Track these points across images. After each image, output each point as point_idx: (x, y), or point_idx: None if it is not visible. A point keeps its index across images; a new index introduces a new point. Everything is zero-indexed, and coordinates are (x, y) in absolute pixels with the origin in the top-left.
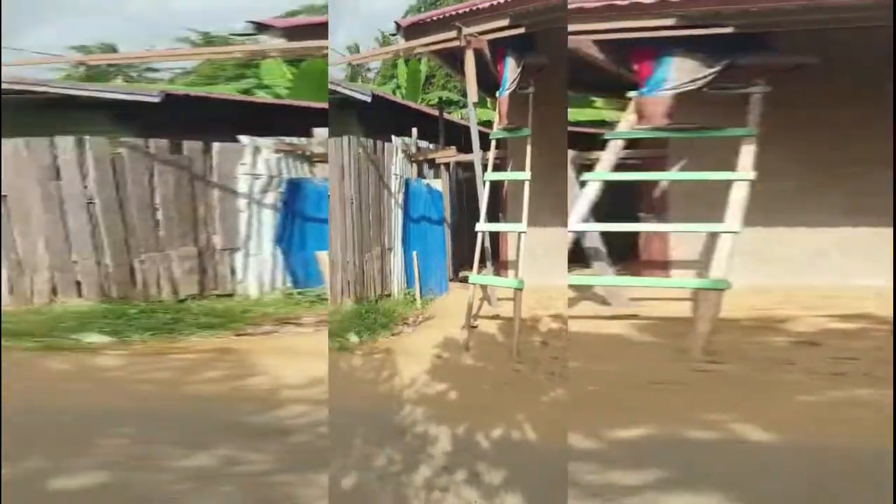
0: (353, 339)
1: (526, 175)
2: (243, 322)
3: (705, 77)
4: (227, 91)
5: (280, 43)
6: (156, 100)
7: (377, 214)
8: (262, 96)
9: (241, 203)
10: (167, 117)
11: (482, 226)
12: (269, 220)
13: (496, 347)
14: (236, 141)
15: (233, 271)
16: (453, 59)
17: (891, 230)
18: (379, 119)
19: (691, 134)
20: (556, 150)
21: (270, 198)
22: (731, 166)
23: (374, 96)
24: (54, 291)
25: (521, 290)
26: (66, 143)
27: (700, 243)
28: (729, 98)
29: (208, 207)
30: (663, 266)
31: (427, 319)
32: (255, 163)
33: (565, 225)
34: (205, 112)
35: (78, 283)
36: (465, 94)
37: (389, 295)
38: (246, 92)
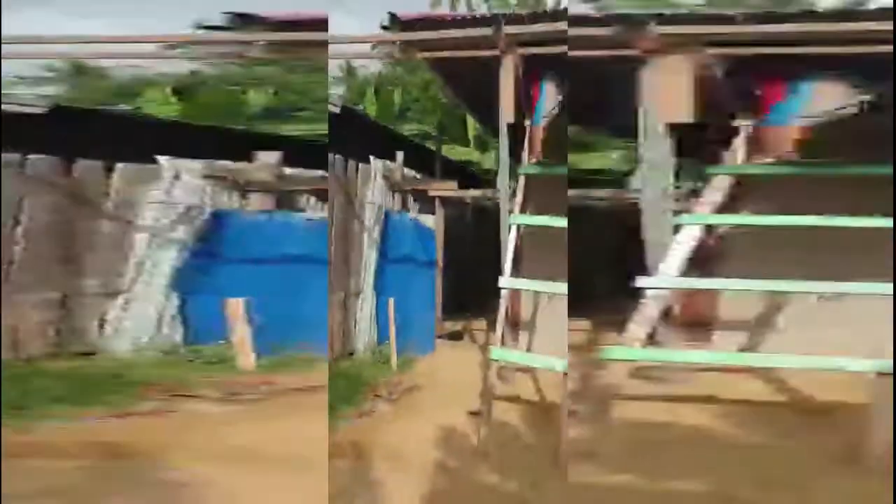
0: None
1: (562, 222)
2: (116, 393)
3: (855, 104)
4: None
5: (274, 35)
6: (41, 111)
7: (343, 251)
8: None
9: (141, 237)
10: (57, 132)
11: (507, 281)
12: (168, 259)
13: (527, 454)
14: (152, 162)
15: (101, 323)
16: (454, 73)
17: None
18: (352, 141)
19: (823, 170)
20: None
21: (181, 232)
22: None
23: (346, 109)
24: None
25: (566, 374)
26: None
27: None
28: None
29: (91, 241)
30: (708, 327)
31: (410, 391)
32: (171, 189)
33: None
34: (106, 128)
35: None
36: (443, 131)
37: (353, 354)
38: None
